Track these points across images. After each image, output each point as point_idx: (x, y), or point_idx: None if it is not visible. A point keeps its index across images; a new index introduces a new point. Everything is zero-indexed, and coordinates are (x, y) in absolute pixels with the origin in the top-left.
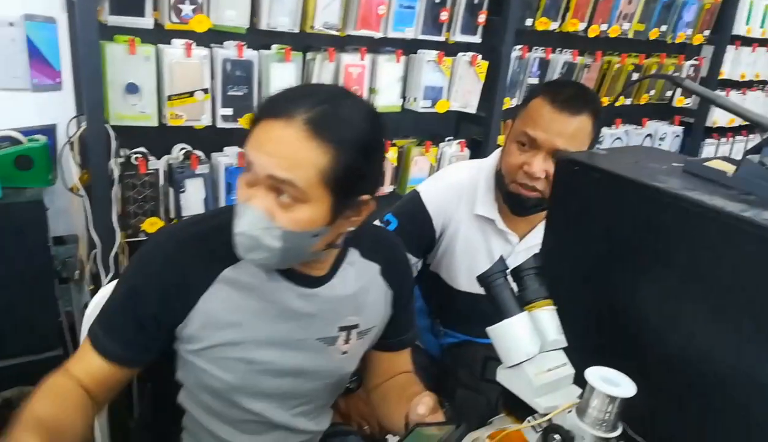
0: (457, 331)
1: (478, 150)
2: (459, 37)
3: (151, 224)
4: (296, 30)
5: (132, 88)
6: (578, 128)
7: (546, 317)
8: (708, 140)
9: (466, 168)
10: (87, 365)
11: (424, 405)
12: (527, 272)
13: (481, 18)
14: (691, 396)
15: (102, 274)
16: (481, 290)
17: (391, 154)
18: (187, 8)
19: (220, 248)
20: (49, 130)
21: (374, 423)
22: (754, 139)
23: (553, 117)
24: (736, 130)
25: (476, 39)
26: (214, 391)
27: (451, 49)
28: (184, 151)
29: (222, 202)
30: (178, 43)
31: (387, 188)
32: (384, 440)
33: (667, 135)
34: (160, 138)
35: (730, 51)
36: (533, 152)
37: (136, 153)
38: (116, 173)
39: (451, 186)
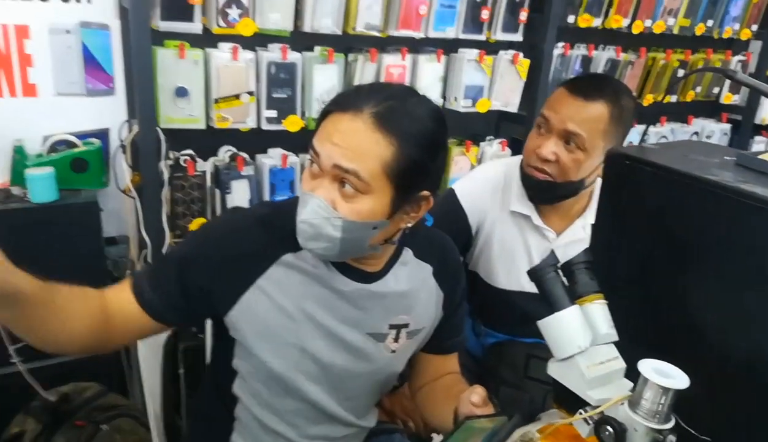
0: (498, 330)
1: (519, 149)
2: (500, 36)
3: (198, 225)
4: (338, 32)
5: (181, 92)
6: (592, 115)
7: (597, 310)
8: (757, 138)
9: (500, 165)
10: (120, 296)
11: (477, 395)
12: (578, 266)
13: (523, 16)
14: (746, 390)
15: None
16: (520, 288)
17: None
18: (234, 13)
19: (285, 234)
20: (103, 134)
21: (419, 421)
22: None
23: (567, 101)
24: None
25: (517, 37)
26: (268, 379)
27: (492, 48)
28: (229, 153)
29: None
30: (225, 47)
31: None
32: (429, 438)
33: (714, 133)
34: (206, 140)
35: None
36: (547, 135)
37: (184, 155)
38: (166, 175)
39: (486, 183)
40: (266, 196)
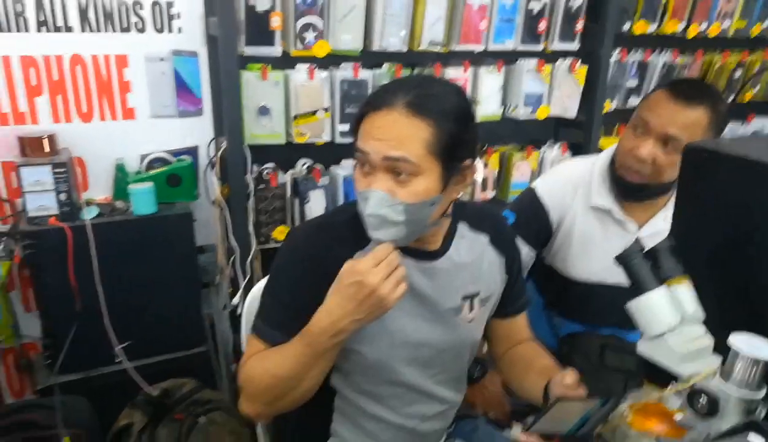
0: (573, 321)
1: (578, 152)
2: (557, 46)
3: (281, 232)
4: (404, 49)
5: (264, 111)
6: (693, 120)
7: (684, 291)
8: None
9: (581, 162)
10: (254, 350)
11: (570, 377)
12: (663, 251)
13: (579, 25)
14: None
15: (240, 278)
16: (598, 280)
17: (493, 161)
18: (310, 36)
19: (350, 234)
20: (192, 151)
21: (499, 410)
22: None
23: (668, 105)
24: None
25: (574, 46)
26: (365, 369)
27: (549, 58)
28: (307, 165)
29: None
30: (302, 68)
31: (489, 194)
32: (509, 425)
33: None
34: (286, 154)
35: None
36: (645, 137)
37: (267, 168)
38: (251, 187)
39: (567, 180)
40: (341, 203)
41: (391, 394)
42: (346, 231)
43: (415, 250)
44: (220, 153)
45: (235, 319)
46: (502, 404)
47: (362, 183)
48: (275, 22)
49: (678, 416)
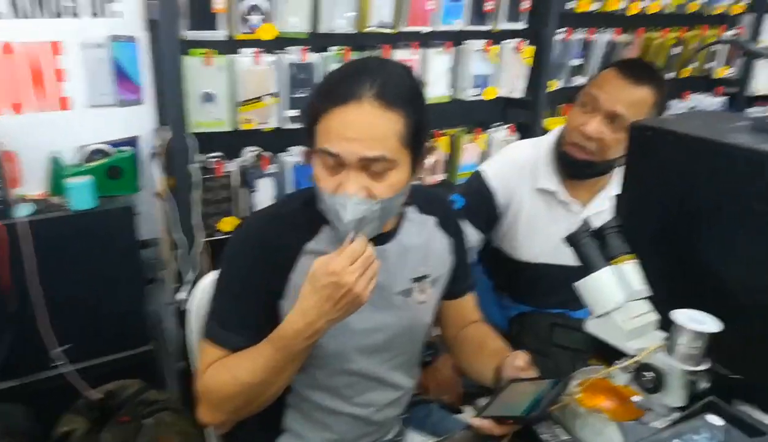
0: (523, 302)
1: (526, 134)
2: (504, 26)
3: (228, 223)
4: (353, 31)
5: (208, 98)
6: (639, 98)
7: (630, 269)
8: (752, 109)
9: (527, 145)
10: (211, 358)
11: (521, 359)
12: (609, 231)
13: (525, 4)
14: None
15: (186, 272)
16: (545, 260)
17: (442, 144)
18: (255, 19)
19: (303, 221)
20: (133, 142)
21: (451, 394)
22: None
23: (617, 82)
24: None
25: (521, 25)
26: (320, 361)
27: (497, 38)
28: (254, 153)
29: None
30: (248, 52)
31: (438, 177)
32: (461, 409)
33: (711, 107)
34: (232, 142)
35: None
36: (593, 114)
37: (213, 157)
38: (197, 177)
39: (513, 163)
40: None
41: (345, 384)
42: (298, 218)
43: None
44: (163, 143)
45: (181, 315)
46: (455, 387)
47: (330, 183)
48: (219, 4)
49: (635, 399)
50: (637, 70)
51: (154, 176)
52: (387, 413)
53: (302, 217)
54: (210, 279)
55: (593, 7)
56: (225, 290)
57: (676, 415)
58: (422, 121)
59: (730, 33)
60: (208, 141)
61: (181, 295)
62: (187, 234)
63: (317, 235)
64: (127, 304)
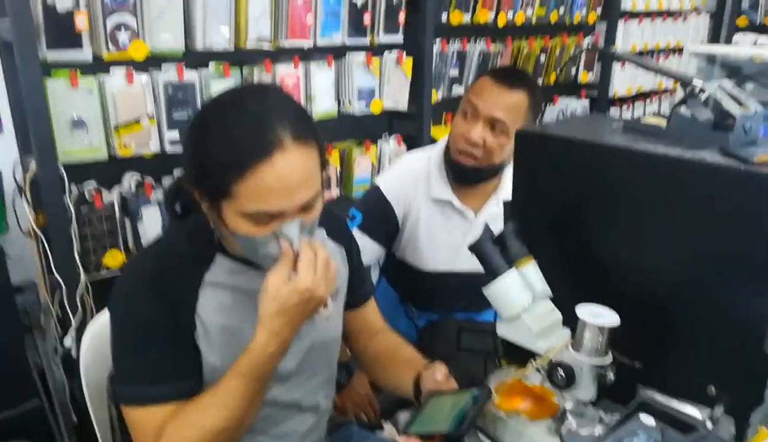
0: (429, 311)
1: (413, 144)
2: (383, 39)
3: (113, 258)
4: (231, 48)
5: (78, 123)
6: (515, 102)
7: (531, 271)
8: (612, 109)
9: (418, 155)
10: (154, 422)
11: (440, 372)
12: (509, 235)
13: (401, 17)
14: (654, 313)
15: (70, 316)
16: (447, 268)
17: (334, 158)
18: (123, 36)
19: (193, 257)
20: None
21: (369, 412)
22: (652, 104)
23: (493, 89)
24: (634, 98)
25: (399, 38)
26: None
27: (377, 51)
28: (135, 180)
29: None
30: (119, 72)
31: (334, 192)
32: (380, 425)
33: (576, 109)
34: (109, 170)
35: (620, 25)
36: (474, 121)
37: (88, 188)
38: (72, 211)
39: (407, 174)
40: None
41: (261, 416)
42: (189, 252)
43: None
44: (29, 176)
45: (69, 365)
46: (372, 404)
47: (263, 231)
48: (81, 22)
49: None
50: (511, 76)
51: (23, 214)
52: (309, 440)
53: (191, 249)
54: (100, 321)
55: (465, 19)
56: (130, 341)
57: (612, 419)
58: (322, 139)
59: (587, 40)
60: (83, 171)
61: (67, 342)
62: (66, 274)
63: (212, 265)
64: (5, 356)
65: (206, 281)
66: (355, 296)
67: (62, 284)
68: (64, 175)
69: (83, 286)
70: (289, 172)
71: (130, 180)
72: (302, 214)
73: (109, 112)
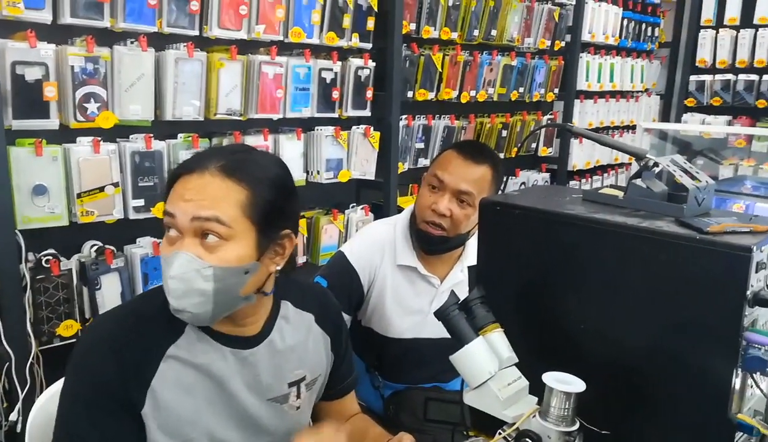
0: (396, 380)
1: (380, 213)
2: (351, 113)
3: (67, 328)
4: (201, 118)
5: (40, 190)
6: (480, 176)
7: (497, 338)
8: (571, 182)
9: (384, 224)
10: None
11: None
12: (474, 302)
13: (369, 94)
14: (621, 380)
15: (18, 388)
16: (414, 335)
17: (301, 226)
18: (92, 107)
19: (161, 325)
20: None
21: None
22: (609, 177)
23: (459, 163)
24: (592, 172)
25: (366, 113)
26: None
27: (345, 124)
28: (95, 247)
29: None
30: (85, 141)
31: (300, 259)
32: None
33: (537, 181)
34: (70, 237)
35: (577, 104)
36: (441, 193)
37: (46, 255)
38: (27, 279)
39: (373, 242)
40: (139, 288)
41: None
42: (157, 319)
43: (229, 336)
44: None
45: (14, 440)
46: None
47: (167, 249)
48: (50, 92)
49: None
50: (475, 150)
51: None
52: None
53: (162, 317)
54: (49, 395)
55: (430, 96)
56: (74, 404)
57: None
58: (278, 205)
59: (545, 117)
60: (42, 238)
61: (13, 416)
62: (17, 344)
63: (180, 337)
64: None
65: (170, 353)
66: (336, 388)
67: (11, 354)
68: (22, 242)
69: (34, 357)
70: (194, 186)
71: (90, 247)
72: (199, 239)
73: (73, 179)
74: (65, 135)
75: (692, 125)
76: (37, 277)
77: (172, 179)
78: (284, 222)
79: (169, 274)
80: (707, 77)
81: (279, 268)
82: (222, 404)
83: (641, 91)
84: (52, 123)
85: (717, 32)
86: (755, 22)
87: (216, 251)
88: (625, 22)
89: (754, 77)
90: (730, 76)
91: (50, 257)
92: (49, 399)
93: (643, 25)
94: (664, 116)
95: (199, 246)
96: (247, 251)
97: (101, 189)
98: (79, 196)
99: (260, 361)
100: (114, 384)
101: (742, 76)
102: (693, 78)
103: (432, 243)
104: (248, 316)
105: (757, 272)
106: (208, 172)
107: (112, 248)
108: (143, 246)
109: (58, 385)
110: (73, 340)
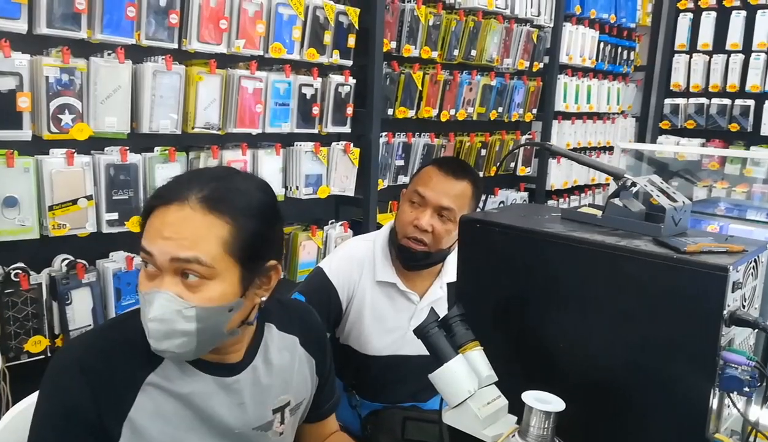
0: (374, 399)
1: (359, 229)
2: (331, 129)
3: (35, 344)
4: (178, 131)
5: (10, 202)
6: (461, 191)
7: (477, 356)
8: (549, 201)
9: (363, 241)
10: None
11: None
12: (454, 320)
13: (349, 110)
14: (601, 399)
15: None
16: (393, 352)
17: None
18: (66, 118)
19: (140, 351)
20: None
21: None
22: (587, 196)
23: (440, 179)
24: (569, 191)
25: (346, 129)
26: None
27: (325, 140)
28: (66, 261)
29: (112, 311)
30: (58, 153)
31: None
32: None
33: (516, 200)
34: (40, 250)
35: (555, 124)
36: (422, 209)
37: (15, 269)
38: None
39: (351, 258)
40: (112, 303)
41: None
42: (137, 344)
43: (214, 365)
44: None
45: None
46: None
47: (146, 286)
48: (23, 103)
49: None
50: (455, 166)
51: None
52: None
53: (142, 342)
54: (16, 412)
55: (410, 114)
56: (43, 429)
57: None
58: (263, 235)
59: (524, 137)
60: (11, 250)
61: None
62: None
63: (159, 365)
64: None
65: (149, 381)
66: (318, 411)
67: None
68: None
69: (0, 373)
70: (172, 221)
71: (60, 261)
72: (179, 277)
73: (45, 191)
74: (38, 146)
75: (670, 147)
76: (6, 291)
77: (148, 210)
78: (269, 252)
79: (148, 316)
80: (681, 101)
81: (264, 299)
82: (204, 432)
83: (617, 113)
84: (25, 134)
85: (690, 57)
86: (727, 48)
87: (198, 291)
88: (602, 45)
89: (727, 101)
90: (703, 100)
91: (19, 271)
92: (17, 416)
93: (619, 49)
94: (640, 138)
95: (179, 285)
96: (231, 289)
97: (74, 202)
98: (51, 208)
99: (244, 388)
100: (86, 408)
101: (715, 100)
102: (668, 101)
103: (414, 259)
104: (232, 344)
105: (733, 291)
106: (188, 205)
107: (83, 262)
108: (116, 261)
109: (26, 402)
110: (41, 356)
